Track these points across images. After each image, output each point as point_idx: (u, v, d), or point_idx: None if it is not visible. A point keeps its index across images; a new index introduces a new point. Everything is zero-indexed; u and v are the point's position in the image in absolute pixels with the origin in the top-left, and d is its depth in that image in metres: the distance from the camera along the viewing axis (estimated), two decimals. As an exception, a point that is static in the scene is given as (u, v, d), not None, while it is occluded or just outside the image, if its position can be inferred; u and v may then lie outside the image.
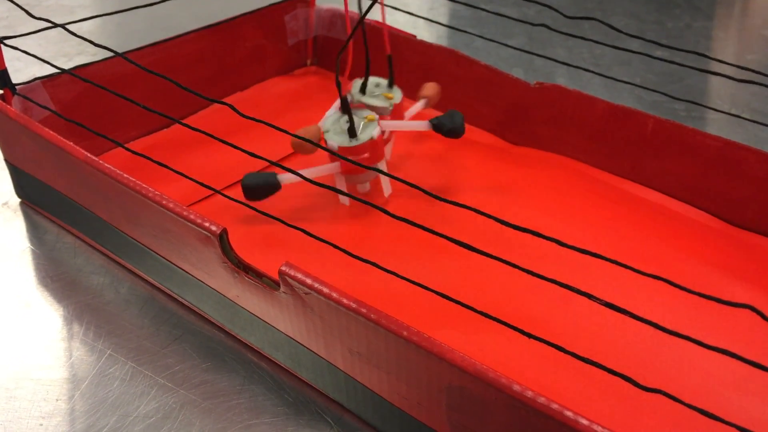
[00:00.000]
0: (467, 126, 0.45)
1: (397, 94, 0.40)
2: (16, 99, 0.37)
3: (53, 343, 0.31)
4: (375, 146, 0.36)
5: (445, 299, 0.25)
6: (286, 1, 0.49)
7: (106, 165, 0.31)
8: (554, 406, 0.21)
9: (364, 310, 0.24)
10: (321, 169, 0.36)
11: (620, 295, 0.32)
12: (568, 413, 0.21)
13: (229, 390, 0.29)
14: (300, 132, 0.35)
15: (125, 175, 0.31)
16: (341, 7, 0.49)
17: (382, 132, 0.37)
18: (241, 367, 0.30)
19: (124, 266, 0.34)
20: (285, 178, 0.36)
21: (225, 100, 0.45)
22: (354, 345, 0.26)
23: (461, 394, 0.23)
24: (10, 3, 0.33)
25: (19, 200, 0.39)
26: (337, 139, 0.35)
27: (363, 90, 0.39)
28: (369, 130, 0.36)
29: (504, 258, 0.24)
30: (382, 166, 0.37)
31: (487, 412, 0.23)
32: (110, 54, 0.37)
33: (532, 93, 0.43)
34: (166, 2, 0.40)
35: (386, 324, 0.24)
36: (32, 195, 0.38)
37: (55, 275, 0.34)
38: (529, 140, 0.44)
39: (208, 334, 0.31)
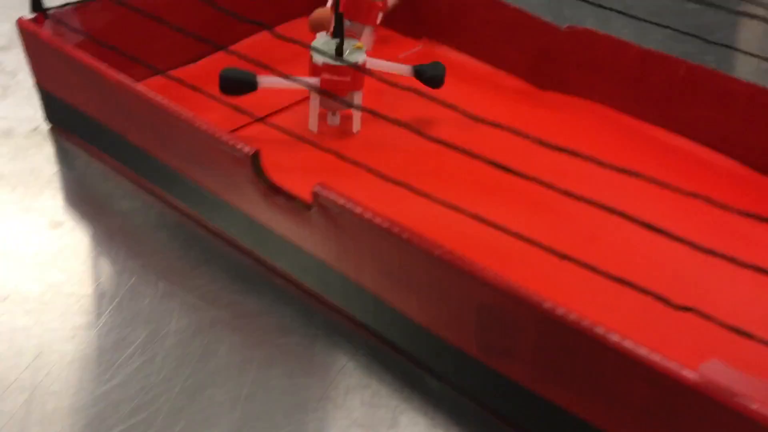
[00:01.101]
0: (495, 70, 0.45)
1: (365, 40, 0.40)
2: (47, 23, 0.37)
3: (83, 262, 0.31)
4: (357, 72, 0.36)
5: (475, 225, 0.25)
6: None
7: (139, 87, 0.31)
8: (585, 322, 0.21)
9: (396, 229, 0.25)
10: (299, 81, 0.34)
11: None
12: (599, 329, 0.21)
13: (257, 311, 0.29)
14: (317, 12, 0.36)
15: (159, 97, 0.31)
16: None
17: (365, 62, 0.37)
18: (269, 290, 0.30)
19: (154, 192, 0.35)
20: (263, 81, 0.36)
21: (250, 39, 0.45)
22: (384, 266, 0.26)
23: (492, 314, 0.24)
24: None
25: (49, 126, 0.39)
26: (320, 58, 0.36)
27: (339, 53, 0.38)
28: (355, 55, 0.37)
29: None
30: (358, 97, 0.37)
31: (518, 331, 0.23)
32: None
33: (562, 37, 0.42)
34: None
35: (419, 243, 0.24)
36: (63, 120, 0.38)
37: (85, 198, 0.34)
38: (558, 85, 0.43)
39: (237, 258, 0.32)
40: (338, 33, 0.35)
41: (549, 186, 0.24)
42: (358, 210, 0.25)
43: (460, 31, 0.46)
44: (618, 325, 0.22)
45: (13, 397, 0.25)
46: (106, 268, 0.31)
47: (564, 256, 0.23)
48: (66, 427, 0.24)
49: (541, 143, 0.23)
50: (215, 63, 0.44)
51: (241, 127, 0.37)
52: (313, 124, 0.38)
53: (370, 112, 0.27)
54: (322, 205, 0.26)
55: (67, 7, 0.37)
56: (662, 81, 0.39)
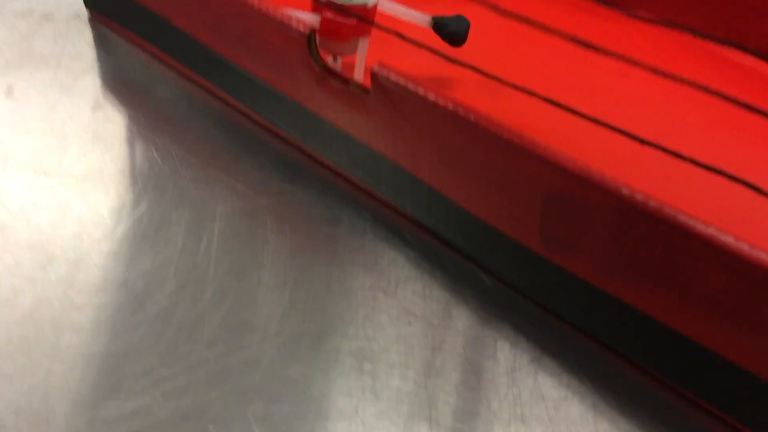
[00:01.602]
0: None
1: None
2: None
3: (126, 144, 0.30)
4: (365, 15, 0.31)
5: (542, 111, 0.23)
6: None
7: (188, -37, 0.30)
8: (667, 209, 0.20)
9: (462, 111, 0.23)
10: (290, 14, 0.30)
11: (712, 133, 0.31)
12: (683, 216, 0.20)
13: (305, 200, 0.28)
14: None
15: (209, -27, 0.29)
16: None
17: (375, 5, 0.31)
18: (317, 182, 0.29)
19: (198, 82, 0.33)
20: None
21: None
22: (445, 153, 0.25)
23: (560, 201, 0.22)
24: None
25: (89, 14, 0.37)
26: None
27: None
28: None
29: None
30: (364, 45, 0.32)
31: (588, 220, 0.22)
32: None
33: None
34: None
35: (486, 124, 0.23)
36: (103, 5, 0.37)
37: (127, 83, 0.33)
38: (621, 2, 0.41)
39: (284, 149, 0.31)
40: None
41: (634, 61, 0.22)
42: (421, 91, 0.24)
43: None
44: (700, 215, 0.20)
45: (57, 266, 0.25)
46: (149, 151, 0.30)
47: (645, 141, 0.21)
48: (111, 299, 0.24)
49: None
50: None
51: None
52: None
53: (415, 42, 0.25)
54: (382, 85, 0.25)
55: None
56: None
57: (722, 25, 0.38)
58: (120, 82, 0.33)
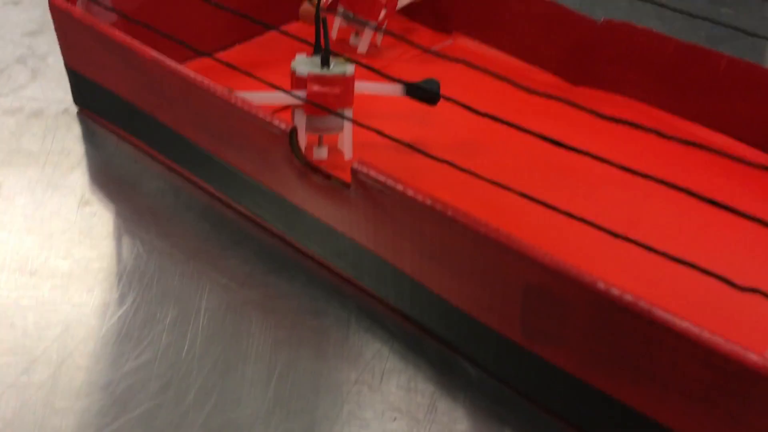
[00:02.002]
0: (527, 65, 0.45)
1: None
2: (80, 2, 0.36)
3: (112, 240, 0.30)
4: (347, 84, 0.32)
5: (516, 205, 0.24)
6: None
7: (173, 63, 0.31)
8: (642, 303, 0.20)
9: (439, 207, 0.24)
10: (280, 96, 0.32)
11: (688, 223, 0.32)
12: (657, 311, 0.20)
13: (289, 293, 0.28)
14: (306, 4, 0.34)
15: (194, 73, 0.30)
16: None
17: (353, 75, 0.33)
18: (301, 273, 0.29)
19: (183, 174, 0.34)
20: (242, 95, 0.32)
21: (290, 25, 0.45)
22: (426, 247, 0.25)
23: (539, 295, 0.23)
24: None
25: (77, 108, 0.38)
26: (306, 67, 0.32)
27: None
28: (343, 66, 0.32)
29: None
30: (348, 114, 0.33)
31: (567, 313, 0.22)
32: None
33: (598, 30, 0.41)
34: None
35: (464, 220, 0.23)
36: (92, 102, 0.37)
37: (114, 178, 0.34)
38: (592, 80, 0.42)
39: (268, 241, 0.31)
40: (319, 41, 0.32)
41: (601, 159, 0.23)
42: (400, 187, 0.25)
43: (492, 26, 0.46)
44: (673, 308, 0.21)
45: (40, 370, 0.25)
46: (135, 247, 0.30)
47: (617, 235, 0.22)
48: (94, 401, 0.24)
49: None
50: (252, 48, 0.43)
51: (279, 110, 0.37)
52: (301, 141, 0.33)
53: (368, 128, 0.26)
54: (362, 182, 0.26)
55: (100, -13, 0.37)
56: (702, 75, 0.39)
57: (696, 105, 0.40)
58: (107, 177, 0.34)
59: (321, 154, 0.34)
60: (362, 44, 0.42)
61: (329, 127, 0.33)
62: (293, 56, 0.33)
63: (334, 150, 0.35)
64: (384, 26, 0.43)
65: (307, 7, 0.35)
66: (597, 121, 0.39)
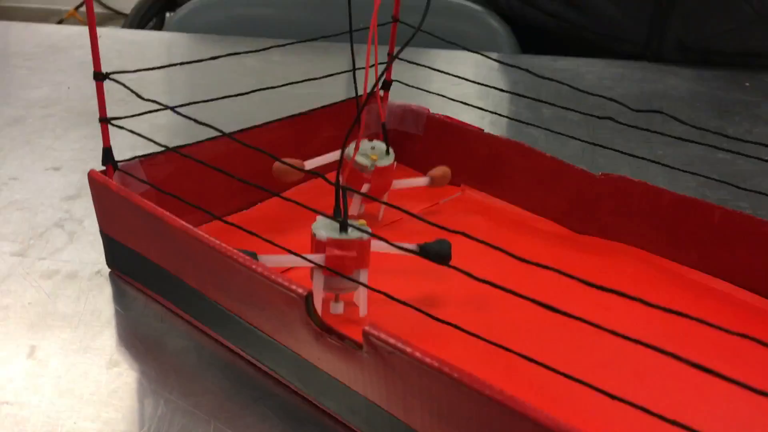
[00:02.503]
0: (531, 215, 0.47)
1: (385, 159, 0.43)
2: (116, 174, 0.40)
3: (138, 401, 0.32)
4: (363, 248, 0.35)
5: (521, 366, 0.25)
6: (361, 96, 0.52)
7: (200, 232, 0.33)
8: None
9: (446, 369, 0.25)
10: (297, 259, 0.34)
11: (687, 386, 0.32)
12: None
13: (306, 451, 0.29)
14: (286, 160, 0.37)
15: (218, 242, 0.33)
16: (413, 103, 0.52)
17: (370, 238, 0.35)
18: (317, 430, 0.30)
19: (206, 333, 0.36)
20: (265, 259, 0.34)
21: (299, 187, 0.48)
22: (434, 406, 0.26)
23: (543, 454, 0.24)
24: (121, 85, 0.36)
25: (109, 270, 0.41)
26: (325, 231, 0.34)
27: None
28: (358, 227, 0.34)
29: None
30: (364, 275, 0.35)
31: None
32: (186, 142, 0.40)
33: (597, 183, 0.44)
34: (247, 102, 0.43)
35: (468, 382, 0.25)
36: (123, 265, 0.40)
37: (141, 338, 0.36)
38: (593, 229, 0.45)
39: (286, 398, 0.32)
40: (339, 208, 0.34)
41: (595, 325, 0.24)
42: (409, 350, 0.26)
43: (498, 179, 0.49)
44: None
45: None
46: (159, 407, 0.32)
47: (616, 397, 0.23)
48: None
49: (584, 282, 0.24)
50: (268, 208, 0.46)
51: (289, 269, 0.39)
52: (318, 301, 0.35)
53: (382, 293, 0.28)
54: (373, 345, 0.27)
55: (134, 160, 0.40)
56: (698, 225, 0.41)
57: (695, 253, 0.41)
58: (135, 337, 0.36)
59: (337, 309, 0.37)
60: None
61: (346, 286, 0.35)
62: (305, 215, 0.35)
63: (350, 304, 0.37)
64: (385, 196, 0.45)
65: (279, 166, 0.40)
66: (603, 271, 0.41)
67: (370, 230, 0.35)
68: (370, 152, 0.44)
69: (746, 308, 0.38)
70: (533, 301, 0.25)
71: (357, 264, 0.35)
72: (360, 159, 0.44)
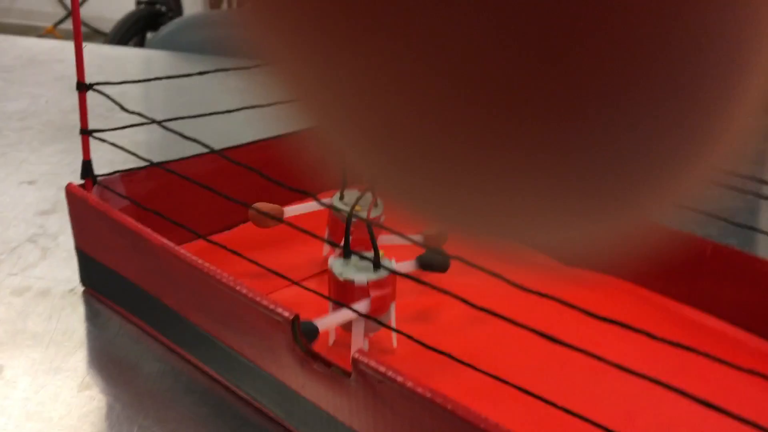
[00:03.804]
0: (521, 247, 0.46)
1: (365, 206, 0.40)
2: (95, 189, 0.38)
3: (111, 426, 0.30)
4: (395, 279, 0.33)
5: (516, 398, 0.24)
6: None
7: (181, 250, 0.32)
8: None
9: (439, 400, 0.24)
10: (347, 313, 0.32)
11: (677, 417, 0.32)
12: None
13: (287, 484, 0.28)
14: (260, 204, 0.35)
15: (199, 260, 0.31)
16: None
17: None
18: (299, 462, 0.29)
19: (184, 357, 0.34)
20: (323, 323, 0.32)
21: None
22: (425, 438, 0.25)
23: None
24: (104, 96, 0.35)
25: (83, 288, 0.39)
26: (363, 275, 0.32)
27: (341, 197, 0.40)
28: (389, 262, 0.33)
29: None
30: (393, 308, 0.34)
31: None
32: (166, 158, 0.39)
33: (587, 215, 0.43)
34: (229, 121, 0.42)
35: (463, 414, 0.24)
36: (98, 283, 0.39)
37: (116, 360, 0.34)
38: (582, 261, 0.44)
39: (268, 428, 0.31)
40: (374, 245, 0.32)
41: (592, 355, 0.23)
42: (400, 379, 0.25)
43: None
44: None
45: None
46: (133, 433, 0.30)
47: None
48: None
49: (584, 312, 0.24)
50: (251, 228, 0.45)
51: (274, 291, 0.38)
52: (364, 345, 0.33)
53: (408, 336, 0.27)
54: (362, 372, 0.26)
55: (114, 175, 0.39)
56: (689, 260, 0.40)
57: (685, 288, 0.41)
58: (108, 359, 0.34)
59: (365, 345, 0.33)
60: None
61: (378, 325, 0.33)
62: (291, 236, 0.34)
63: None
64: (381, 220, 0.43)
65: (255, 214, 0.37)
66: (594, 304, 0.40)
67: (394, 261, 0.33)
68: (360, 202, 0.40)
69: (738, 346, 0.38)
70: (534, 331, 0.24)
71: (391, 298, 0.33)
72: (342, 208, 0.39)
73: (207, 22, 1.00)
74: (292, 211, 0.40)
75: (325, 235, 0.40)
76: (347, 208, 0.41)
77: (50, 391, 0.32)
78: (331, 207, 0.39)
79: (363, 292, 0.32)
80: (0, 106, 0.64)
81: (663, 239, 0.41)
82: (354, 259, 0.33)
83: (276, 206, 0.39)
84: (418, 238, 0.45)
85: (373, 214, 0.42)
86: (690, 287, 0.40)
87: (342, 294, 0.32)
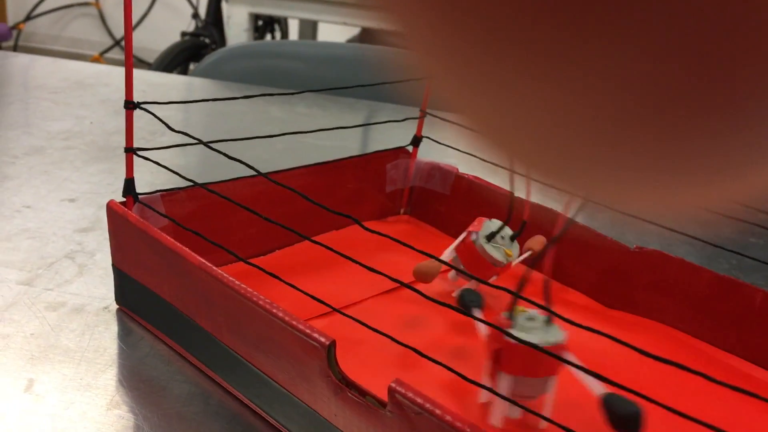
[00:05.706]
0: (559, 285, 0.45)
1: (514, 251, 0.41)
2: (136, 207, 0.38)
3: (137, 447, 0.30)
4: (561, 350, 0.30)
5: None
6: (389, 150, 0.51)
7: (219, 271, 0.32)
8: None
9: (479, 436, 0.23)
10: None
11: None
12: None
13: None
14: (423, 265, 0.35)
15: (237, 282, 0.31)
16: (441, 161, 0.51)
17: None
18: (328, 495, 0.28)
19: (215, 380, 0.34)
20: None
21: (318, 238, 0.47)
22: (462, 476, 0.24)
23: None
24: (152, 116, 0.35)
25: (117, 306, 0.39)
26: (538, 335, 0.29)
27: (490, 237, 0.40)
28: (553, 332, 0.30)
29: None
30: (552, 382, 0.31)
31: None
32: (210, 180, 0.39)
33: (630, 256, 0.42)
34: (269, 148, 0.42)
35: (504, 452, 0.23)
36: (133, 301, 0.38)
37: (146, 379, 0.34)
38: (625, 305, 0.43)
39: (296, 457, 0.30)
40: (547, 302, 0.29)
41: (649, 399, 0.22)
42: (438, 412, 0.24)
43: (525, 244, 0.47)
44: None
45: None
46: (159, 455, 0.29)
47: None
48: None
49: (631, 347, 0.23)
50: (288, 255, 0.45)
51: (312, 318, 0.37)
52: (496, 419, 0.31)
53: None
54: (398, 403, 0.25)
55: (156, 194, 0.39)
56: (738, 308, 0.39)
57: (734, 337, 0.39)
58: (138, 379, 0.34)
59: (514, 413, 0.31)
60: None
61: (533, 391, 0.31)
62: (331, 261, 0.33)
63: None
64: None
65: (422, 269, 0.36)
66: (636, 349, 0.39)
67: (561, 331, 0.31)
68: (500, 241, 0.41)
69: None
70: (587, 371, 0.23)
71: (550, 369, 0.30)
72: (494, 252, 0.40)
73: (249, 53, 1.01)
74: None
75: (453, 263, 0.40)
76: (498, 255, 0.40)
77: (79, 408, 0.31)
78: (480, 249, 0.39)
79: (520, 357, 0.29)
80: (45, 126, 0.65)
81: (710, 284, 0.40)
82: (522, 317, 0.30)
83: (434, 264, 0.37)
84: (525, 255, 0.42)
85: (517, 259, 0.41)
86: (738, 336, 0.39)
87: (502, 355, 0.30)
